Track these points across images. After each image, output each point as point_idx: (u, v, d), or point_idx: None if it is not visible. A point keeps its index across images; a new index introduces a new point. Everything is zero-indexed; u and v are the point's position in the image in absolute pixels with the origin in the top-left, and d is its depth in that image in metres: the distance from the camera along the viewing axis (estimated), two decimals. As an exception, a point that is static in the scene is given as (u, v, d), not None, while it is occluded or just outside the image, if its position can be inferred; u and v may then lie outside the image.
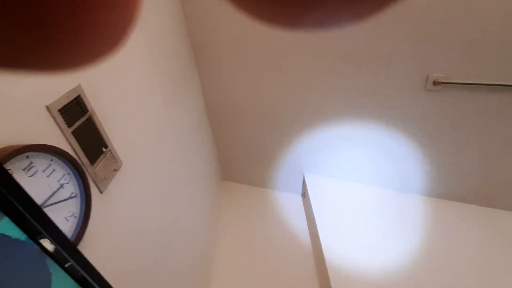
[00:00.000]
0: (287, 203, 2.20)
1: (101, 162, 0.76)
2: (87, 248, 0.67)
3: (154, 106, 1.15)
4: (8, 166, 0.51)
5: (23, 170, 0.54)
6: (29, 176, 0.55)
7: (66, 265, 0.47)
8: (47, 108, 0.61)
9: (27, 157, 0.54)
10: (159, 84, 1.20)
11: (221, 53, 1.59)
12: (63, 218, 0.62)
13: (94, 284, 0.54)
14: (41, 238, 0.41)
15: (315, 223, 1.75)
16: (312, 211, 1.83)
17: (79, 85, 0.71)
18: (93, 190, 0.73)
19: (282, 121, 1.81)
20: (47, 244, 0.43)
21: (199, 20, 1.48)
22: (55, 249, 0.43)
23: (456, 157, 1.59)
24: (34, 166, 0.55)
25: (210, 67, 1.67)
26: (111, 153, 0.81)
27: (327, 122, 1.70)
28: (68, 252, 0.44)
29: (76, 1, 0.07)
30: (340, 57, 1.42)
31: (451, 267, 1.44)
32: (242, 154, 2.14)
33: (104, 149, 0.78)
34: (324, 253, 1.53)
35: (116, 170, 0.83)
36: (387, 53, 1.35)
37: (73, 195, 0.64)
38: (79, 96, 0.70)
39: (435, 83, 1.35)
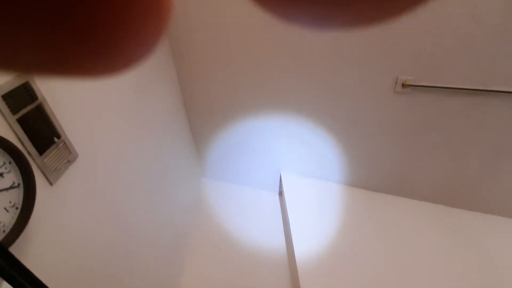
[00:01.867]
0: (264, 201, 2.20)
1: (51, 153, 0.74)
2: (28, 241, 0.65)
3: (120, 94, 1.11)
4: None
5: (-47, 156, 0.51)
6: (-40, 163, 0.52)
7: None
8: (-13, 93, 0.58)
9: (-42, 143, 0.52)
10: (128, 78, 1.17)
11: (198, 46, 1.57)
12: (3, 208, 0.60)
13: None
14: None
15: (289, 222, 1.76)
16: (287, 210, 1.84)
17: (28, 71, 0.68)
18: (41, 181, 0.70)
19: (259, 118, 1.81)
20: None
21: (176, 9, 1.46)
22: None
23: (426, 157, 1.64)
24: (-35, 152, 0.53)
25: (187, 60, 1.65)
26: (64, 143, 0.78)
27: (302, 120, 1.71)
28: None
29: (118, 14, 0.07)
30: (313, 56, 1.43)
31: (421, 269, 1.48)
32: (221, 151, 2.13)
33: (56, 139, 0.75)
34: (295, 252, 1.55)
35: (69, 161, 0.80)
36: (358, 54, 1.37)
37: (14, 184, 0.62)
38: (27, 82, 0.67)
39: (404, 85, 1.38)
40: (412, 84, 1.37)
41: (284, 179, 2.02)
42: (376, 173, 1.85)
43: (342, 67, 1.43)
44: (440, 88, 1.37)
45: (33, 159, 0.68)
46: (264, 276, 1.73)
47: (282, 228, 2.00)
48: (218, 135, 2.00)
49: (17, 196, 0.63)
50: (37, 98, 0.70)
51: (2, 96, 0.61)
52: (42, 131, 0.71)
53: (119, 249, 1.06)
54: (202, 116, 1.93)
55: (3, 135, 0.60)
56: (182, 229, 1.82)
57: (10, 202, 0.61)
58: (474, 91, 1.35)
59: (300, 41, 1.41)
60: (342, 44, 1.37)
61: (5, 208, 0.60)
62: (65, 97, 0.81)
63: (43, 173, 0.71)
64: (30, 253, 0.65)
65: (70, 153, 0.80)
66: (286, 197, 1.90)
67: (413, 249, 1.57)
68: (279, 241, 1.92)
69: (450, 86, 1.36)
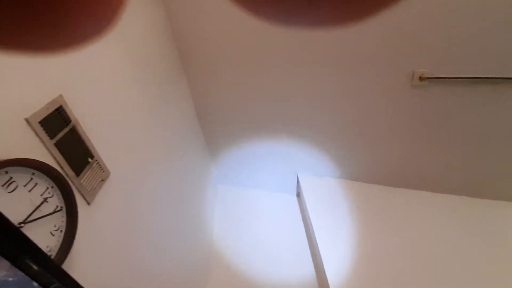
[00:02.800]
0: (282, 204, 2.19)
1: (87, 173, 0.74)
2: (74, 262, 0.65)
3: (140, 111, 1.13)
4: (-14, 183, 0.50)
5: (2, 186, 0.52)
6: (9, 192, 0.53)
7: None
8: (27, 120, 0.59)
9: (6, 172, 0.52)
10: (143, 89, 1.19)
11: (209, 54, 1.58)
12: (48, 233, 0.61)
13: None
14: (23, 260, 0.39)
15: (310, 223, 1.75)
16: (307, 211, 1.83)
17: (60, 95, 0.69)
18: (80, 201, 0.71)
19: (273, 122, 1.80)
20: (30, 266, 0.42)
21: (184, 20, 1.46)
22: (38, 271, 0.41)
23: (447, 149, 1.62)
24: (14, 181, 0.54)
25: (198, 70, 1.66)
26: (97, 163, 0.79)
27: (317, 121, 1.71)
28: (52, 273, 0.42)
29: None
30: (325, 57, 1.43)
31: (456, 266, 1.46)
32: (235, 157, 2.13)
33: (90, 160, 0.76)
34: (321, 254, 1.53)
35: (103, 180, 0.81)
36: (371, 51, 1.36)
37: (57, 208, 0.63)
38: (60, 106, 0.68)
39: (421, 78, 1.36)
40: (429, 76, 1.35)
41: (302, 180, 2.01)
42: (396, 168, 1.83)
43: (356, 65, 1.42)
44: (458, 79, 1.35)
45: (71, 181, 0.69)
46: (289, 280, 1.72)
47: (303, 229, 1.99)
48: (232, 140, 2.01)
49: (60, 219, 0.64)
50: (70, 121, 0.71)
51: (40, 122, 0.62)
52: (77, 152, 0.72)
53: (153, 261, 1.07)
54: (215, 123, 1.93)
55: (43, 160, 0.61)
56: (203, 237, 1.82)
57: (55, 226, 0.62)
58: (493, 80, 1.33)
59: (310, 42, 1.40)
60: (354, 42, 1.36)
61: (50, 232, 0.61)
62: (94, 118, 0.82)
63: (81, 193, 0.72)
64: (76, 272, 0.66)
65: (103, 171, 0.81)
66: (306, 198, 1.89)
67: (447, 245, 1.54)
68: (301, 244, 1.90)
69: (468, 76, 1.34)
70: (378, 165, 1.83)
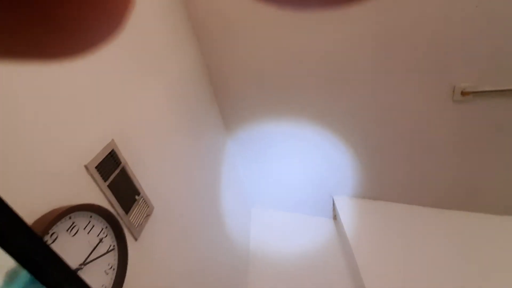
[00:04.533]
0: (318, 227, 2.12)
1: (134, 210, 0.79)
2: (125, 299, 0.68)
3: (179, 145, 1.19)
4: (54, 229, 0.55)
5: (67, 230, 0.57)
6: (72, 236, 0.58)
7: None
8: (86, 167, 0.65)
9: (70, 217, 0.58)
10: (181, 121, 1.26)
11: (239, 85, 1.64)
12: (103, 272, 0.65)
13: None
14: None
15: (349, 246, 1.67)
16: (346, 234, 1.75)
17: (113, 140, 0.76)
18: (129, 239, 0.75)
19: (306, 142, 1.79)
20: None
21: (218, 58, 1.55)
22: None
23: (496, 166, 1.47)
24: (76, 225, 0.59)
25: (229, 100, 1.72)
26: (143, 199, 0.84)
27: (353, 139, 1.66)
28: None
29: None
30: (362, 74, 1.41)
31: None
32: (271, 180, 2.13)
33: (137, 197, 0.81)
34: (362, 278, 1.44)
35: (148, 215, 0.85)
36: (408, 66, 1.31)
37: (111, 248, 0.67)
38: (112, 150, 0.75)
39: (463, 93, 1.28)
40: (473, 91, 1.27)
41: (338, 203, 1.94)
42: (439, 188, 1.69)
43: (392, 80, 1.38)
44: (505, 91, 1.25)
45: (121, 219, 0.73)
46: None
47: (341, 252, 1.89)
48: (265, 164, 2.02)
49: (113, 258, 0.68)
50: (120, 162, 0.77)
51: (96, 167, 0.68)
52: (126, 191, 0.78)
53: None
54: (248, 148, 1.97)
55: (98, 202, 0.67)
56: (239, 264, 1.81)
57: (108, 264, 0.66)
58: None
59: (342, 59, 1.40)
60: (386, 56, 1.32)
61: (105, 271, 0.65)
62: (139, 156, 0.88)
63: (129, 230, 0.76)
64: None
65: (148, 207, 0.86)
66: (343, 222, 1.81)
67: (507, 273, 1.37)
68: (340, 268, 1.81)
69: (517, 87, 1.23)
70: (419, 185, 1.71)
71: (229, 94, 1.70)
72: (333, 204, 1.99)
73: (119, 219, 0.72)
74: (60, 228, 0.56)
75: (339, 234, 1.98)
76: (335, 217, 2.06)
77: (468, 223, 1.63)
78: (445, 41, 1.22)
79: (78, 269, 0.57)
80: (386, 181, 1.77)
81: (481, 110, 1.33)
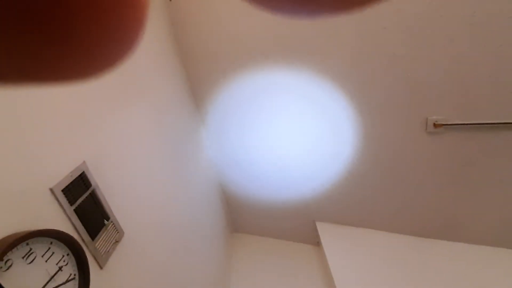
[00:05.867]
0: (300, 253, 2.08)
1: (102, 236, 0.76)
2: (82, 334, 0.64)
3: (158, 168, 1.18)
4: (9, 255, 0.52)
5: (23, 258, 0.54)
6: (28, 264, 0.55)
7: None
8: (51, 190, 0.63)
9: (27, 244, 0.55)
10: (161, 143, 1.25)
11: (224, 106, 1.67)
12: (60, 303, 0.61)
13: None
14: None
15: (331, 274, 1.63)
16: (327, 261, 1.72)
17: (84, 162, 0.74)
18: (93, 267, 0.71)
19: (290, 169, 1.80)
20: None
21: (202, 80, 1.59)
22: None
23: (470, 197, 1.52)
24: (33, 252, 0.56)
25: (214, 122, 1.74)
26: (113, 224, 0.81)
27: (333, 168, 1.69)
28: None
29: (92, 10, 0.07)
30: (337, 107, 1.46)
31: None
32: (252, 205, 2.11)
33: (105, 222, 0.79)
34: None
35: (117, 241, 0.82)
36: (382, 100, 1.38)
37: (71, 277, 0.63)
38: (83, 172, 0.73)
39: (435, 125, 1.35)
40: (444, 123, 1.34)
41: (320, 229, 1.93)
42: (418, 217, 1.71)
43: (367, 111, 1.44)
44: (475, 125, 1.33)
45: (86, 246, 0.70)
46: None
47: (323, 281, 1.84)
48: (249, 189, 2.00)
49: (72, 288, 0.64)
50: (90, 185, 0.75)
51: (62, 190, 0.66)
52: (94, 215, 0.75)
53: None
54: (232, 173, 1.96)
55: (61, 227, 0.64)
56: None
57: (66, 295, 0.62)
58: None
59: (324, 97, 1.46)
60: (364, 94, 1.39)
61: (62, 302, 0.61)
62: (112, 178, 0.86)
63: (94, 258, 0.73)
64: None
65: (118, 232, 0.83)
66: (325, 249, 1.78)
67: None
68: (323, 300, 1.75)
69: (485, 122, 1.31)
70: (399, 214, 1.73)
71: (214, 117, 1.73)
72: (316, 230, 1.97)
73: (83, 245, 0.69)
74: (16, 254, 0.53)
75: (321, 260, 1.94)
76: (317, 243, 2.03)
77: (447, 252, 1.64)
78: (417, 79, 1.30)
79: (30, 301, 0.53)
80: (366, 208, 1.78)
81: (453, 142, 1.39)
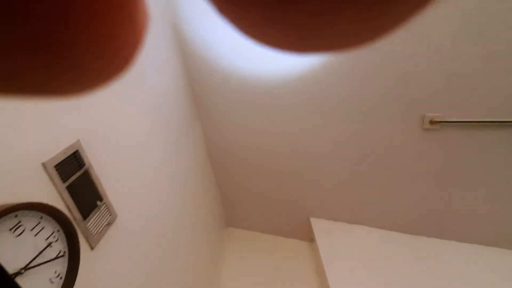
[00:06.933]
0: (294, 249, 2.07)
1: (94, 216, 0.75)
2: (70, 313, 0.62)
3: (153, 155, 1.16)
4: (-4, 226, 0.51)
5: (10, 230, 0.53)
6: (16, 236, 0.54)
7: None
8: (43, 165, 0.62)
9: (16, 216, 0.54)
10: (158, 133, 1.24)
11: (221, 99, 1.66)
12: (48, 280, 0.59)
13: None
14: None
15: (324, 270, 1.63)
16: (320, 257, 1.71)
17: (78, 140, 0.73)
18: (84, 246, 0.70)
19: (284, 165, 1.80)
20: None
21: (200, 71, 1.58)
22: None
23: (464, 195, 1.53)
24: (21, 225, 0.54)
25: (211, 114, 1.73)
26: (106, 206, 0.80)
27: (328, 164, 1.69)
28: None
29: (92, 27, 0.07)
30: (334, 104, 1.47)
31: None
32: (246, 200, 2.10)
33: (98, 203, 0.77)
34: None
35: (110, 224, 0.81)
36: (379, 98, 1.39)
37: (60, 254, 0.62)
38: (76, 151, 0.72)
39: (431, 122, 1.36)
40: (440, 120, 1.34)
41: (314, 225, 1.92)
42: (412, 214, 1.72)
43: (365, 108, 1.44)
44: (470, 123, 1.34)
45: (77, 225, 0.69)
46: None
47: (316, 277, 1.84)
48: (243, 184, 1.99)
49: (62, 265, 0.62)
50: (84, 164, 0.74)
51: (55, 166, 0.65)
52: (87, 195, 0.74)
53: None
54: (226, 166, 1.95)
55: (53, 203, 0.62)
56: (210, 284, 1.72)
57: (55, 272, 0.61)
58: (507, 123, 1.30)
59: (320, 92, 1.46)
60: (362, 90, 1.39)
61: (50, 279, 0.60)
62: (107, 160, 0.85)
63: (85, 238, 0.71)
64: (70, 327, 0.62)
65: (111, 214, 0.82)
66: (319, 245, 1.78)
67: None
68: (315, 296, 1.75)
69: (480, 120, 1.32)
70: (394, 211, 1.74)
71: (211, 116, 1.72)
72: (310, 226, 1.97)
73: (74, 224, 0.68)
74: (3, 226, 0.51)
75: (315, 256, 1.94)
76: (311, 239, 2.03)
77: (438, 250, 1.65)
78: (414, 76, 1.31)
79: (17, 274, 0.52)
80: (360, 206, 1.78)
81: (449, 139, 1.40)
